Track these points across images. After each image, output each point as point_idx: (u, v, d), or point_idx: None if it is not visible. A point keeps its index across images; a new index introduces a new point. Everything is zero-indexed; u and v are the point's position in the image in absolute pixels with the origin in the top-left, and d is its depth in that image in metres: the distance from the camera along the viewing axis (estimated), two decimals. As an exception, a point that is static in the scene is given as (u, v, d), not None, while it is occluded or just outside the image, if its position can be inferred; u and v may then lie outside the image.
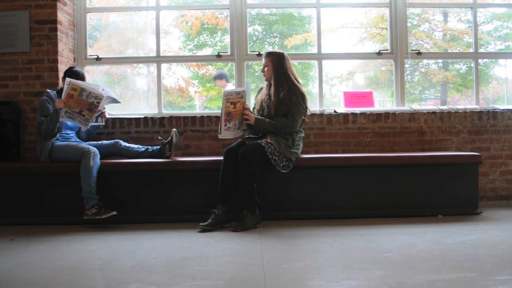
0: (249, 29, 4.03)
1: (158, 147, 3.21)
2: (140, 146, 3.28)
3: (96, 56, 3.87)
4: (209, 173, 3.04)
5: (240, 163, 2.85)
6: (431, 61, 4.73)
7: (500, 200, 3.66)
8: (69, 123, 3.16)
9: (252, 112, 3.08)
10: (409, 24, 4.02)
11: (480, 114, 3.69)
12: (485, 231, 2.60)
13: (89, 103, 3.01)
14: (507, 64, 4.55)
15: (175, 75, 5.10)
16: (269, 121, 2.98)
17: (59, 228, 2.87)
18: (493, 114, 3.69)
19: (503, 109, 3.73)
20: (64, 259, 2.14)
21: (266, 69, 3.07)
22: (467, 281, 1.71)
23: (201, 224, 2.76)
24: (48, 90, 3.20)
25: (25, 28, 3.54)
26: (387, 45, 3.99)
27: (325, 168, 3.10)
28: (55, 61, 3.56)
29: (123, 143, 3.28)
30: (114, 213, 2.84)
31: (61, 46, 3.61)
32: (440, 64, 4.98)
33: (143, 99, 4.31)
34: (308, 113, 3.12)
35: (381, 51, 3.94)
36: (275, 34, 5.02)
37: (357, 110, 3.72)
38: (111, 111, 3.69)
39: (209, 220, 2.78)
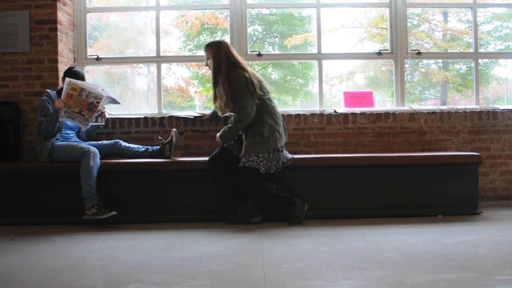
0: (249, 29, 4.03)
1: (158, 147, 3.20)
2: (140, 146, 3.29)
3: (96, 56, 3.87)
4: (209, 173, 3.04)
5: (245, 194, 2.86)
6: (431, 61, 4.73)
7: (500, 200, 3.66)
8: (69, 123, 3.16)
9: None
10: (409, 24, 4.02)
11: (480, 114, 3.69)
12: (485, 231, 2.60)
13: (88, 103, 3.01)
14: (507, 64, 4.55)
15: (175, 75, 5.11)
16: (227, 127, 2.89)
17: (59, 228, 2.87)
18: (493, 114, 3.69)
19: (503, 109, 3.73)
20: (64, 259, 2.14)
21: (208, 62, 2.94)
22: (467, 281, 1.71)
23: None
24: (48, 90, 3.20)
25: (25, 28, 3.54)
26: (387, 45, 3.99)
27: (325, 168, 3.10)
28: (55, 61, 3.56)
29: (123, 143, 3.28)
30: (114, 213, 2.84)
31: (61, 46, 3.61)
32: (440, 64, 4.98)
33: (143, 99, 4.31)
34: (266, 96, 2.89)
35: (381, 51, 3.94)
36: (275, 34, 5.02)
37: (357, 110, 3.72)
38: (111, 111, 3.69)
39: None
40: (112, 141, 3.30)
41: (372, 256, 2.09)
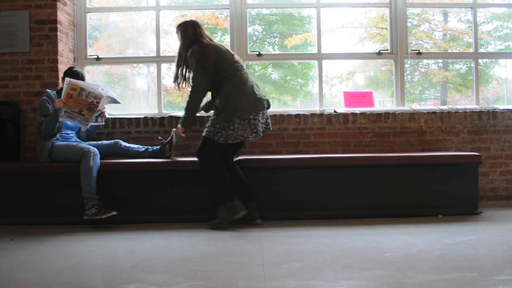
0: (249, 29, 4.03)
1: (158, 147, 3.20)
2: (140, 146, 3.29)
3: (96, 56, 3.87)
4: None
5: (200, 164, 2.86)
6: (431, 61, 4.73)
7: (500, 200, 3.66)
8: (69, 123, 3.16)
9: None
10: (409, 24, 4.03)
11: (480, 114, 3.69)
12: (485, 231, 2.60)
13: (88, 103, 3.01)
14: (507, 64, 4.55)
15: (175, 75, 5.10)
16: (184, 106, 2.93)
17: (59, 228, 2.87)
18: (493, 114, 3.69)
19: (503, 109, 3.73)
20: (64, 259, 2.14)
21: (178, 37, 2.96)
22: (467, 281, 1.71)
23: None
24: (48, 90, 3.20)
25: (25, 28, 3.54)
26: (387, 45, 3.99)
27: (325, 168, 3.10)
28: (55, 61, 3.56)
29: (123, 143, 3.28)
30: (114, 213, 2.84)
31: (61, 46, 3.61)
32: (440, 64, 4.97)
33: (143, 99, 4.30)
34: (230, 69, 2.81)
35: (381, 51, 3.94)
36: (275, 34, 5.02)
37: (357, 110, 3.72)
38: (111, 111, 3.69)
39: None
40: (112, 141, 3.30)
41: (372, 256, 2.09)
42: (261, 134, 2.88)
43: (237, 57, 2.95)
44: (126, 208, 2.99)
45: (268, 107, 2.95)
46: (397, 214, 3.06)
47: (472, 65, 4.02)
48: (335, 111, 3.69)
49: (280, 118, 3.63)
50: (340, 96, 3.89)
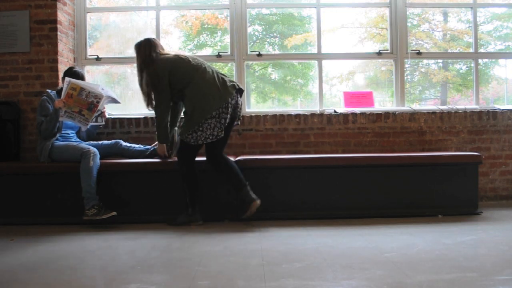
0: (249, 29, 4.03)
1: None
2: (141, 146, 3.29)
3: (96, 56, 3.87)
4: (209, 173, 3.04)
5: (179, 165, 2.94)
6: (431, 61, 4.73)
7: (500, 200, 3.66)
8: (69, 122, 3.16)
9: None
10: (409, 24, 4.02)
11: (480, 114, 3.69)
12: (485, 231, 2.60)
13: (88, 103, 3.01)
14: (507, 64, 4.55)
15: (175, 75, 5.09)
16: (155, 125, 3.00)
17: (59, 228, 2.87)
18: (493, 114, 3.69)
19: (503, 109, 3.73)
20: (64, 259, 2.14)
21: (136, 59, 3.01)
22: (467, 281, 1.71)
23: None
24: (48, 90, 3.20)
25: (25, 28, 3.54)
26: (387, 45, 3.99)
27: (325, 168, 3.10)
28: (55, 61, 3.56)
29: (124, 143, 3.28)
30: (114, 213, 2.83)
31: (61, 46, 3.61)
32: (440, 64, 4.97)
33: (143, 99, 4.30)
34: (190, 75, 2.85)
35: (381, 51, 3.94)
36: (275, 34, 5.02)
37: (357, 110, 3.72)
38: (111, 111, 3.69)
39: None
40: (113, 141, 3.30)
41: (372, 256, 2.09)
42: (233, 122, 2.94)
43: (194, 59, 2.95)
44: (126, 208, 2.99)
45: (239, 91, 2.94)
46: (397, 214, 3.06)
47: (472, 65, 4.02)
48: (335, 111, 3.69)
49: (280, 118, 3.63)
50: (340, 96, 3.89)
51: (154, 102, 2.94)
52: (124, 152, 3.25)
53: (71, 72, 3.19)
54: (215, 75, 2.89)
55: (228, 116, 2.85)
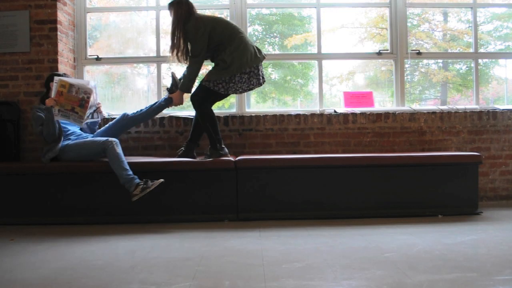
0: (249, 29, 4.03)
1: (164, 98, 3.29)
2: (147, 106, 3.32)
3: (96, 56, 3.87)
4: (209, 173, 3.04)
5: (194, 109, 3.18)
6: (431, 61, 4.72)
7: (500, 200, 3.66)
8: (66, 122, 3.14)
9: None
10: (409, 24, 4.02)
11: (480, 114, 3.69)
12: (485, 231, 2.60)
13: (79, 99, 3.00)
14: (507, 64, 4.54)
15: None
16: (183, 75, 3.20)
17: (59, 228, 2.87)
18: (493, 114, 3.69)
19: (503, 109, 3.73)
20: (64, 259, 2.14)
21: (171, 14, 3.16)
22: (467, 281, 1.71)
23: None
24: (33, 106, 3.18)
25: (25, 28, 3.54)
26: (387, 45, 3.99)
27: (325, 168, 3.10)
28: (55, 61, 3.56)
29: (130, 113, 3.30)
30: (162, 180, 2.86)
31: (61, 46, 3.61)
32: (440, 64, 4.97)
33: (143, 99, 4.30)
34: (228, 33, 3.09)
35: (381, 51, 3.94)
36: (275, 34, 5.01)
37: (357, 110, 3.72)
38: (111, 111, 3.69)
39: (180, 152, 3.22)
40: (118, 116, 3.30)
41: (372, 256, 2.09)
42: (257, 86, 3.19)
43: (234, 23, 3.26)
44: (126, 208, 2.99)
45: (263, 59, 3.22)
46: (397, 214, 3.06)
47: (472, 65, 4.02)
48: (335, 111, 3.69)
49: (280, 118, 3.63)
50: (340, 96, 3.89)
51: (191, 54, 3.11)
52: (135, 120, 3.28)
53: (54, 76, 3.13)
54: (250, 41, 3.20)
55: (255, 79, 3.14)
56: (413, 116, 3.68)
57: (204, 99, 3.12)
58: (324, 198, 3.07)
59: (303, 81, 5.02)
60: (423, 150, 3.65)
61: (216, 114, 3.65)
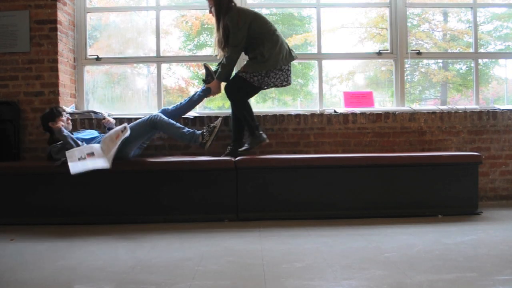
0: (249, 29, 4.02)
1: (202, 89, 3.32)
2: (186, 99, 3.35)
3: (96, 56, 3.87)
4: (209, 173, 3.05)
5: (230, 99, 3.27)
6: (431, 61, 4.73)
7: (500, 200, 3.66)
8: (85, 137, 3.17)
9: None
10: (409, 24, 4.02)
11: (480, 114, 3.69)
12: (485, 231, 2.60)
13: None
14: (507, 64, 4.54)
15: (175, 75, 5.10)
16: (220, 67, 3.26)
17: (59, 228, 2.87)
18: (493, 114, 3.69)
19: (503, 109, 3.73)
20: (64, 259, 2.14)
21: (212, 9, 3.23)
22: (467, 281, 1.71)
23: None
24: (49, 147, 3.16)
25: (25, 28, 3.54)
26: (387, 45, 3.99)
27: (325, 168, 3.09)
28: (55, 61, 3.56)
29: (170, 107, 3.32)
30: (221, 118, 3.09)
31: (61, 46, 3.61)
32: (440, 64, 4.97)
33: (143, 99, 4.30)
34: (266, 27, 3.15)
35: (381, 51, 3.94)
36: (275, 34, 5.01)
37: (357, 110, 3.72)
38: (112, 111, 3.69)
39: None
40: (158, 111, 3.27)
41: (372, 256, 2.09)
42: (286, 85, 3.28)
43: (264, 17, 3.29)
44: (126, 208, 2.99)
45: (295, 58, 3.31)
46: (397, 214, 3.06)
47: (472, 65, 4.02)
48: (335, 111, 3.69)
49: (280, 118, 3.63)
50: (340, 96, 3.89)
51: (231, 43, 3.15)
52: (176, 113, 3.30)
53: (49, 114, 3.12)
54: (284, 38, 3.29)
55: (285, 77, 3.24)
56: (413, 116, 3.68)
57: (239, 89, 3.20)
58: (324, 198, 3.07)
59: (303, 81, 5.02)
60: (423, 150, 3.65)
61: (216, 114, 3.66)
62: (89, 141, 3.15)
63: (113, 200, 2.97)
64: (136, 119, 3.61)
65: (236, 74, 3.25)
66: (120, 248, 2.34)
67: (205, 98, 3.39)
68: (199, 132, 3.05)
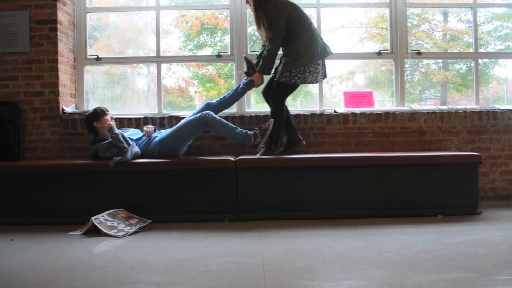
0: (249, 29, 4.03)
1: (245, 82, 3.32)
2: (231, 92, 3.38)
3: (96, 56, 3.87)
4: (209, 173, 3.04)
5: (273, 106, 3.23)
6: (431, 61, 4.72)
7: (500, 200, 3.66)
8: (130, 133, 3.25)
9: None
10: (409, 24, 4.02)
11: (480, 114, 3.69)
12: (485, 231, 2.60)
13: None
14: (507, 64, 4.54)
15: (175, 75, 5.10)
16: (262, 60, 3.22)
17: (59, 228, 2.87)
18: (493, 114, 3.69)
19: (503, 109, 3.73)
20: (64, 259, 2.14)
21: (250, 1, 3.20)
22: (467, 281, 1.71)
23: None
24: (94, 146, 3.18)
25: (25, 28, 3.54)
26: (387, 45, 3.99)
27: (325, 168, 3.09)
28: (55, 61, 3.56)
29: (213, 101, 3.36)
30: (272, 119, 3.07)
31: (61, 46, 3.61)
32: (440, 64, 4.97)
33: (143, 99, 4.30)
34: (302, 19, 3.15)
35: (381, 51, 3.94)
36: (275, 34, 5.01)
37: (357, 110, 3.72)
38: (111, 111, 3.68)
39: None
40: (202, 105, 3.36)
41: (372, 256, 2.09)
42: (321, 80, 3.35)
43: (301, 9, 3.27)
44: (126, 208, 2.99)
45: (330, 54, 3.33)
46: (397, 214, 3.05)
47: (472, 65, 4.02)
48: (335, 111, 3.69)
49: (280, 118, 3.62)
50: (340, 96, 3.89)
51: (271, 35, 3.12)
52: (221, 106, 3.34)
53: (96, 113, 3.19)
54: (318, 32, 3.32)
55: (321, 73, 3.26)
56: (413, 116, 3.68)
57: (282, 96, 3.22)
58: (324, 198, 3.07)
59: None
60: (423, 150, 3.65)
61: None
62: (136, 140, 3.22)
63: (113, 200, 2.97)
64: (136, 119, 3.63)
65: (277, 81, 3.19)
66: (120, 248, 2.34)
67: (249, 91, 3.43)
68: (251, 132, 3.09)
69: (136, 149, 3.13)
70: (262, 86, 3.41)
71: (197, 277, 1.82)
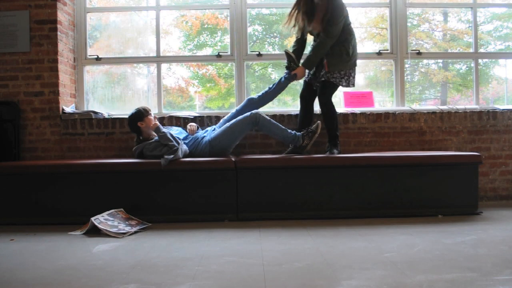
0: (249, 29, 4.03)
1: (286, 76, 3.32)
2: (273, 85, 3.39)
3: (96, 56, 3.87)
4: (209, 173, 3.04)
5: (323, 108, 3.25)
6: (431, 61, 4.72)
7: (500, 200, 3.66)
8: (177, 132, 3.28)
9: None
10: (409, 24, 4.02)
11: (480, 114, 3.69)
12: (485, 231, 2.60)
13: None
14: (507, 64, 4.54)
15: (175, 75, 5.10)
16: (310, 51, 3.22)
17: (59, 228, 2.87)
18: (493, 114, 3.69)
19: (503, 109, 3.73)
20: (64, 259, 2.14)
21: None
22: (467, 281, 1.71)
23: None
24: (139, 146, 3.21)
25: (25, 28, 3.54)
26: (387, 45, 3.99)
27: (325, 168, 3.09)
28: (55, 61, 3.57)
29: (256, 96, 3.39)
30: (318, 122, 3.19)
31: (61, 46, 3.61)
32: (440, 64, 4.96)
33: (143, 99, 4.30)
34: (349, 19, 3.16)
35: (381, 51, 3.94)
36: (275, 34, 5.01)
37: (357, 110, 3.72)
38: (112, 111, 3.69)
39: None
40: (244, 101, 3.40)
41: (372, 256, 2.09)
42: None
43: None
44: (126, 208, 2.99)
45: None
46: (397, 214, 3.06)
47: (472, 65, 4.02)
48: (335, 111, 3.69)
49: (280, 118, 3.62)
50: (340, 96, 3.89)
51: (328, 32, 3.09)
52: (265, 100, 3.37)
53: (136, 114, 3.24)
54: None
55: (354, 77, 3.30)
56: (413, 116, 3.68)
57: (331, 96, 3.25)
58: (324, 198, 3.07)
59: (303, 81, 5.01)
60: (423, 150, 3.65)
61: (216, 114, 3.65)
62: (182, 139, 3.23)
63: (113, 200, 2.97)
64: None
65: (325, 81, 3.20)
66: (120, 248, 2.34)
67: (290, 83, 3.44)
68: (299, 134, 3.16)
69: (185, 147, 3.15)
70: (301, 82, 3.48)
71: (197, 277, 1.82)
